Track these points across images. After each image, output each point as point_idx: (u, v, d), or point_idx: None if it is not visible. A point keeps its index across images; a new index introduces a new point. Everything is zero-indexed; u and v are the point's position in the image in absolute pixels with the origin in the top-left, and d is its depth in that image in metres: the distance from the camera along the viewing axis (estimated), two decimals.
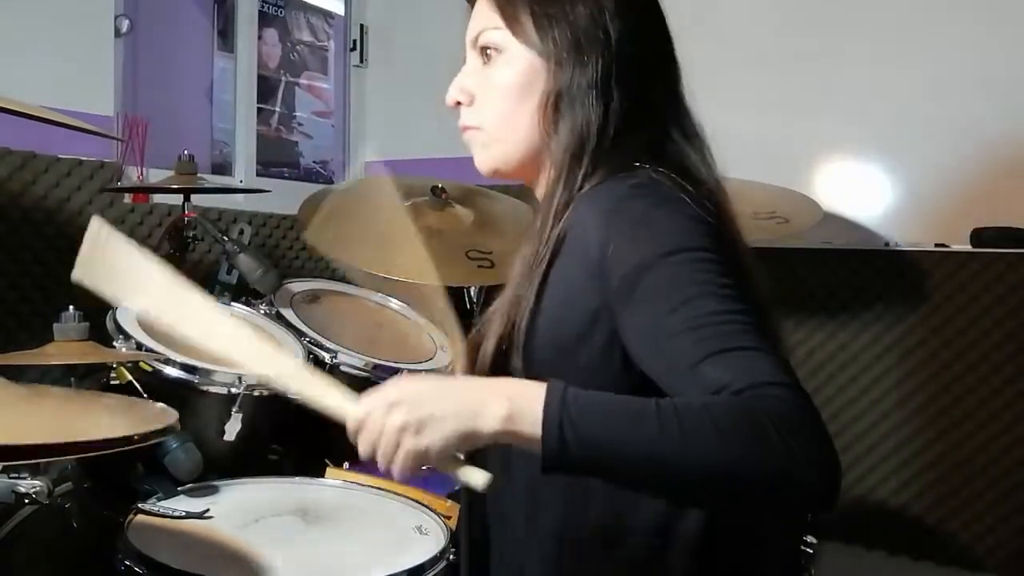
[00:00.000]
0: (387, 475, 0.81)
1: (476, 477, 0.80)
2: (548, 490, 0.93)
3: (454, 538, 1.31)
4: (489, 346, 0.93)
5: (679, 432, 0.72)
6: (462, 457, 0.80)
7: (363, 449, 0.80)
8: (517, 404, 0.76)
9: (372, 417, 0.79)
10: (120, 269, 0.86)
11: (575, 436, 0.73)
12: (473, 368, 0.97)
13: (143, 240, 2.32)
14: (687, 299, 0.79)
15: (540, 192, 1.00)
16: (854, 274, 2.39)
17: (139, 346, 1.61)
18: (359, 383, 1.91)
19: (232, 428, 1.60)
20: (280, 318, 1.96)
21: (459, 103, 1.00)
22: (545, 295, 0.90)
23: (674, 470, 0.73)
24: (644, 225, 0.84)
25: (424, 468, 0.79)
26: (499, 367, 0.92)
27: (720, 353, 0.76)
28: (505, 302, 0.94)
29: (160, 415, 1.15)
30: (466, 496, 1.04)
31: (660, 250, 0.81)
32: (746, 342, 0.77)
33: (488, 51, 0.97)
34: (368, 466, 1.45)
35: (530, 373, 0.89)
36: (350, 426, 0.81)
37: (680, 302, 0.79)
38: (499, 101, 0.96)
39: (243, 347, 0.87)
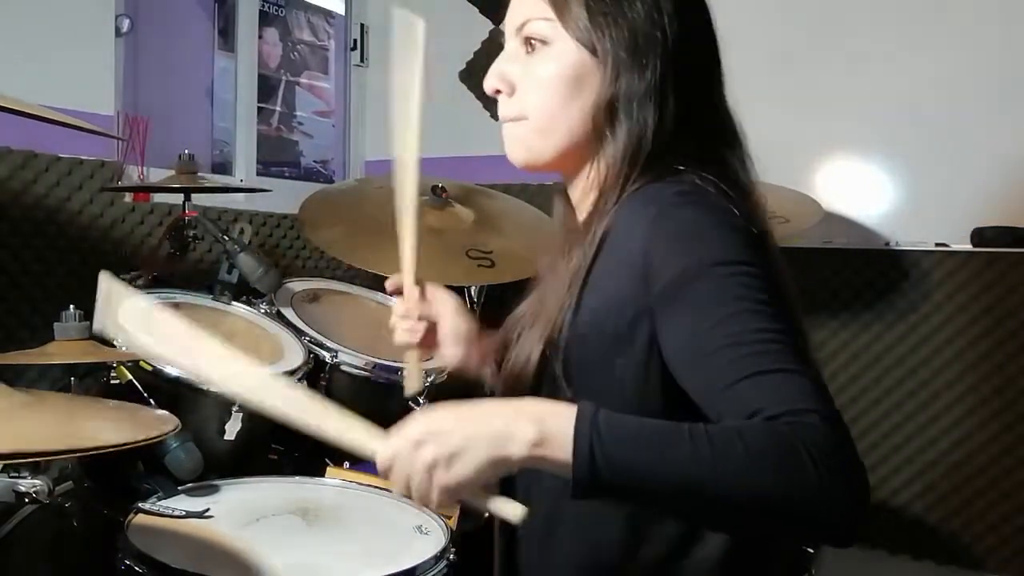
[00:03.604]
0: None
1: (510, 509, 0.78)
2: (570, 510, 0.91)
3: (454, 538, 1.31)
4: (534, 350, 0.91)
5: (711, 458, 0.71)
6: (496, 488, 0.79)
7: (397, 489, 0.78)
8: (546, 427, 0.74)
9: (400, 457, 0.77)
10: (132, 320, 0.87)
11: (605, 460, 0.71)
12: (502, 368, 0.96)
13: (144, 239, 2.33)
14: (728, 314, 0.78)
15: (578, 187, 0.98)
16: (855, 274, 2.39)
17: None
18: (359, 382, 1.91)
19: (232, 427, 1.60)
20: (280, 317, 1.96)
21: (499, 91, 0.96)
22: (584, 296, 0.89)
23: (705, 496, 0.72)
24: (689, 234, 0.83)
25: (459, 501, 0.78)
26: (542, 370, 0.90)
27: (757, 375, 0.75)
28: (548, 301, 0.92)
29: (161, 421, 1.15)
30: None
31: (704, 261, 0.80)
32: (784, 363, 0.75)
33: (533, 41, 0.93)
34: (368, 465, 1.45)
35: (568, 375, 0.88)
36: (379, 467, 0.79)
37: (721, 317, 0.78)
38: (545, 95, 0.93)
39: (259, 385, 0.85)
